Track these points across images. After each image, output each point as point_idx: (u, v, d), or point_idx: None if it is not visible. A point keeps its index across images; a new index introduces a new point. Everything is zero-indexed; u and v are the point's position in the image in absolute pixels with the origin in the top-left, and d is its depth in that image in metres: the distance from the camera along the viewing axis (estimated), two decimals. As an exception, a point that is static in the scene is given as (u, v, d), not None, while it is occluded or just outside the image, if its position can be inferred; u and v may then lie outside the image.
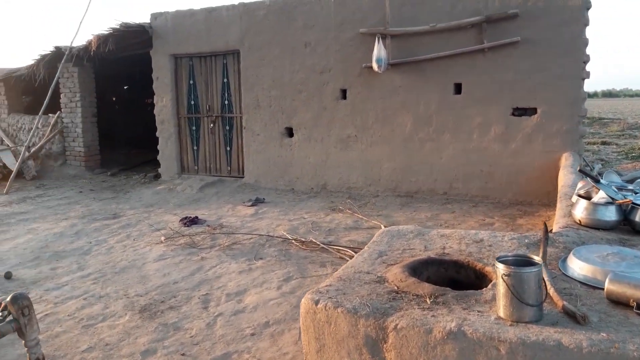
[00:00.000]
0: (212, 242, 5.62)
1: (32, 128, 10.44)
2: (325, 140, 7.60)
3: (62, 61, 9.65)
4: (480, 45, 6.26)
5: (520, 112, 6.29)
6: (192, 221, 6.49)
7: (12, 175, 9.23)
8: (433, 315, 2.00)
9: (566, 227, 3.03)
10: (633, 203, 2.89)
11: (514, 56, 6.16)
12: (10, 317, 2.59)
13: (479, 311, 2.01)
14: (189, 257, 5.13)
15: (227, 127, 8.62)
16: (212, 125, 8.73)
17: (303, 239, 5.40)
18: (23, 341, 2.62)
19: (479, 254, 2.69)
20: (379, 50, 6.67)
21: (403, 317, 2.02)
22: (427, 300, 2.16)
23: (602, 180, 3.09)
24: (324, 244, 5.18)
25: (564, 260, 2.41)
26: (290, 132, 7.96)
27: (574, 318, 1.86)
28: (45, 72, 10.02)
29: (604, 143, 17.31)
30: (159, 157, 9.33)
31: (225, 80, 8.47)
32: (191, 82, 8.80)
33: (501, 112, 6.35)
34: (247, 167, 8.39)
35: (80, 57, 9.63)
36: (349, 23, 7.11)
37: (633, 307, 1.90)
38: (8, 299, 2.58)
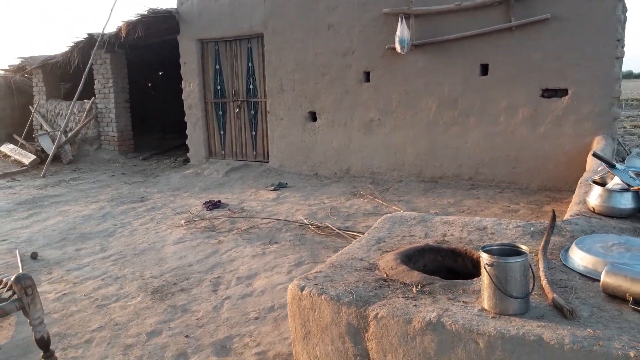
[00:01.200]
0: (230, 225, 5.68)
1: (68, 114, 10.79)
2: (349, 125, 7.51)
3: (95, 48, 9.89)
4: (508, 23, 5.98)
5: (550, 93, 6.00)
6: (215, 205, 6.58)
7: (48, 159, 9.59)
8: (415, 305, 1.94)
9: (578, 214, 2.87)
10: (651, 190, 2.71)
11: (543, 35, 5.85)
12: (15, 297, 2.69)
13: (464, 302, 1.93)
14: (206, 240, 5.20)
15: (252, 112, 8.64)
16: (237, 110, 8.77)
17: (319, 224, 5.38)
18: (28, 320, 2.72)
19: (479, 242, 2.58)
20: (402, 31, 6.49)
21: (385, 306, 1.96)
22: (414, 289, 2.09)
23: (618, 166, 2.90)
24: (339, 229, 5.14)
25: (567, 250, 2.29)
26: (313, 117, 7.90)
27: (561, 312, 1.76)
28: (79, 58, 10.31)
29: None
30: (187, 142, 9.48)
31: (250, 64, 8.47)
32: (217, 66, 8.85)
33: (529, 94, 6.07)
34: (272, 152, 8.41)
35: (112, 43, 9.84)
36: (372, 3, 6.94)
37: (629, 301, 1.78)
38: (12, 278, 2.67)
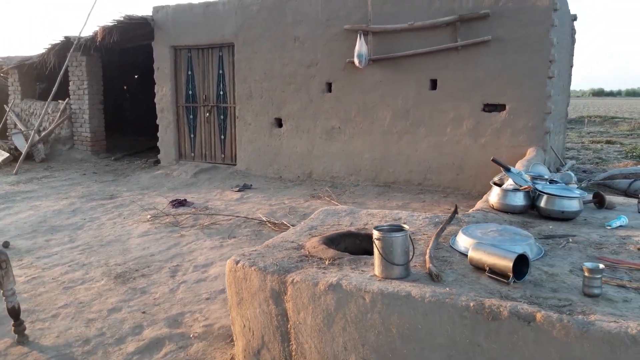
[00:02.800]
0: (194, 222, 6.09)
1: (43, 113, 11.02)
2: (312, 131, 8.00)
3: (71, 50, 10.19)
4: (454, 43, 6.58)
5: (491, 108, 6.60)
6: (180, 203, 6.97)
7: (21, 157, 9.82)
8: (323, 272, 2.41)
9: (480, 210, 3.40)
10: (540, 191, 3.25)
11: (485, 54, 6.46)
12: (-11, 270, 3.07)
13: (362, 270, 2.41)
14: (169, 234, 5.60)
15: (222, 117, 9.07)
16: (207, 114, 9.18)
17: (276, 222, 5.83)
18: (1, 291, 3.11)
19: (393, 230, 3.07)
20: (360, 46, 7.03)
21: (300, 274, 2.43)
22: (326, 262, 2.56)
23: (512, 169, 3.44)
24: (293, 225, 5.59)
25: (455, 235, 2.79)
26: (279, 123, 8.37)
27: (431, 277, 2.25)
28: (55, 60, 10.58)
29: (608, 142, 17.40)
30: (158, 144, 9.84)
31: (220, 71, 8.91)
32: (189, 72, 9.26)
33: (473, 108, 6.67)
34: (239, 155, 8.84)
35: (88, 47, 10.15)
36: (335, 19, 7.47)
37: (486, 270, 2.28)
38: (-13, 254, 3.06)
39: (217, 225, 5.88)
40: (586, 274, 2.04)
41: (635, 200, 3.67)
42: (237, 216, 6.15)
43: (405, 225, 2.37)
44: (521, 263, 2.21)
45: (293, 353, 2.51)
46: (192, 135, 9.48)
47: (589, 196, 3.56)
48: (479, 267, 2.33)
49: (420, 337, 2.08)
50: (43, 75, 11.95)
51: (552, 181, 3.74)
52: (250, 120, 8.58)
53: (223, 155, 9.20)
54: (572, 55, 10.41)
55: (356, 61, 7.08)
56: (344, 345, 2.28)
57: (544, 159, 6.25)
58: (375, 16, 7.11)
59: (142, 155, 11.41)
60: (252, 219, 6.02)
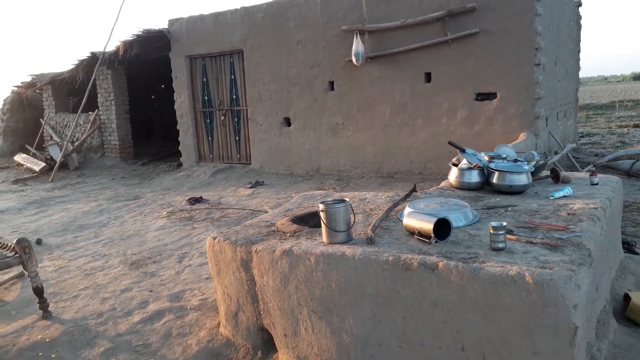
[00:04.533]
0: (206, 216, 6.62)
1: (74, 125, 11.87)
2: (317, 128, 8.43)
3: (97, 65, 10.96)
4: (444, 37, 6.88)
5: (483, 97, 6.87)
6: (197, 200, 7.53)
7: (56, 166, 10.65)
8: (282, 242, 2.84)
9: (440, 188, 3.76)
10: (492, 168, 3.58)
11: (475, 46, 6.74)
12: (17, 255, 3.65)
13: (315, 239, 2.82)
14: (183, 227, 6.14)
15: (236, 119, 9.62)
16: (223, 117, 9.75)
17: (280, 212, 6.28)
18: (26, 272, 3.68)
19: (358, 207, 3.47)
20: (356, 45, 7.41)
21: (262, 244, 2.87)
22: (288, 235, 2.99)
23: (467, 150, 3.77)
24: (294, 215, 6.03)
25: (404, 209, 3.17)
26: (288, 122, 8.84)
27: (368, 241, 2.65)
28: (83, 75, 11.39)
29: (636, 126, 17.14)
30: (180, 148, 10.48)
31: (232, 76, 9.45)
32: (204, 79, 9.85)
33: (466, 98, 6.95)
34: (253, 155, 9.36)
35: (112, 60, 10.89)
36: (334, 21, 7.88)
37: (415, 234, 2.66)
38: (14, 241, 3.64)
39: (226, 218, 6.39)
40: (491, 231, 2.40)
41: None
42: (245, 209, 6.64)
43: (346, 198, 2.77)
44: (446, 227, 2.58)
45: (261, 312, 2.96)
46: (209, 138, 10.07)
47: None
48: (411, 232, 2.71)
49: (353, 289, 2.48)
50: (74, 89, 12.82)
51: (516, 160, 4.05)
52: (262, 121, 9.09)
53: (239, 155, 9.74)
54: (579, 40, 10.47)
55: (353, 59, 7.47)
56: (298, 301, 2.71)
57: (536, 142, 6.48)
58: (370, 16, 7.49)
59: (167, 159, 12.10)
60: (258, 211, 6.50)
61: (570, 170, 7.55)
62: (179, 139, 10.40)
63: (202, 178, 9.35)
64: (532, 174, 3.92)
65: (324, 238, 2.72)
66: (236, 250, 2.96)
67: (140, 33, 9.88)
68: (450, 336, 2.25)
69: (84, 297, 4.13)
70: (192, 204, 7.39)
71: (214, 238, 3.13)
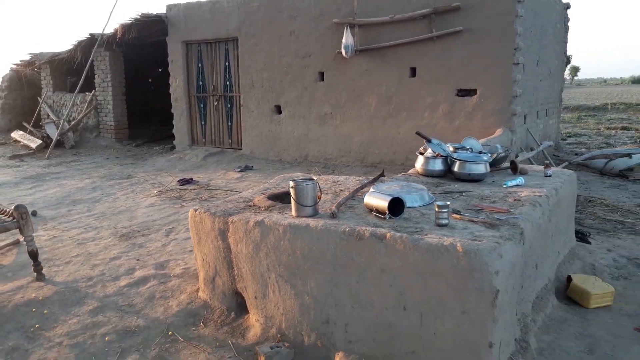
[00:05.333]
0: (195, 196, 6.93)
1: (71, 104, 12.11)
2: (307, 117, 8.73)
3: (95, 46, 11.18)
4: (430, 34, 7.17)
5: (464, 93, 7.18)
6: (187, 181, 7.83)
7: (52, 144, 10.91)
8: (255, 215, 3.16)
9: (407, 174, 4.09)
10: (453, 158, 3.90)
11: (458, 44, 7.03)
12: (14, 220, 3.95)
13: (285, 213, 3.14)
14: (172, 205, 6.45)
15: (229, 105, 9.90)
16: (216, 103, 10.02)
17: (265, 195, 6.60)
18: (23, 236, 3.99)
19: (330, 188, 3.79)
20: (346, 38, 7.70)
21: (238, 216, 3.19)
22: (262, 209, 3.31)
23: (433, 140, 4.09)
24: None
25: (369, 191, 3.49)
26: (279, 110, 9.13)
27: (331, 215, 2.97)
28: (81, 55, 11.61)
29: (624, 128, 17.52)
30: (173, 131, 10.75)
31: (227, 63, 9.72)
32: (199, 65, 10.10)
33: (448, 93, 7.26)
34: (244, 140, 9.65)
35: (110, 43, 11.12)
36: (326, 14, 8.15)
37: (372, 211, 2.98)
38: (12, 207, 3.94)
39: (213, 199, 6.69)
40: (436, 209, 2.72)
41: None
42: (232, 191, 6.95)
43: (314, 177, 3.09)
44: (400, 206, 2.90)
45: (235, 277, 3.28)
46: (202, 123, 10.35)
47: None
48: (370, 209, 3.04)
49: (315, 256, 2.81)
50: (72, 69, 13.03)
51: (480, 152, 4.37)
52: (253, 108, 9.37)
53: (230, 141, 10.03)
54: (565, 42, 10.77)
55: (343, 52, 7.76)
56: (267, 266, 3.03)
57: (511, 138, 6.81)
58: (360, 10, 7.76)
59: (162, 142, 12.36)
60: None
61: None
62: (173, 122, 10.68)
63: (194, 161, 9.64)
64: (494, 165, 4.26)
65: (293, 212, 3.04)
66: (215, 220, 3.28)
67: (139, 17, 10.11)
68: (394, 297, 2.59)
69: (75, 263, 4.44)
70: (182, 185, 7.69)
71: (196, 210, 3.45)
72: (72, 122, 12.04)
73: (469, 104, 7.12)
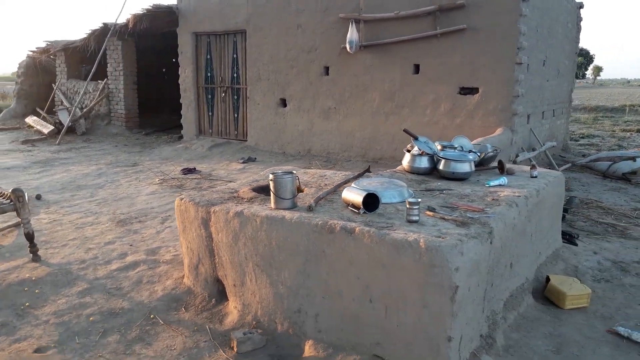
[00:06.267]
0: (195, 185, 7.06)
1: (86, 92, 12.34)
2: (311, 111, 8.79)
3: (108, 35, 11.36)
4: (434, 31, 7.17)
5: (466, 91, 7.18)
6: (190, 171, 7.97)
7: (63, 130, 11.14)
8: (236, 205, 3.25)
9: (393, 171, 4.14)
10: (439, 156, 3.94)
11: (462, 42, 7.02)
12: (11, 203, 4.10)
13: (266, 205, 3.22)
14: (172, 194, 6.58)
15: (235, 97, 10.00)
16: (223, 94, 10.14)
17: (263, 187, 6.70)
18: (20, 218, 4.14)
19: (315, 183, 3.86)
20: (351, 34, 7.73)
21: (220, 206, 3.28)
22: (245, 200, 3.40)
23: (420, 138, 4.13)
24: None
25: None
26: (284, 103, 9.21)
27: (308, 208, 3.04)
28: (95, 44, 11.80)
29: (639, 131, 17.27)
30: (182, 121, 10.90)
31: (234, 55, 9.81)
32: (208, 56, 10.22)
33: (450, 91, 7.26)
34: (250, 132, 9.76)
35: (123, 32, 11.28)
36: (332, 8, 8.18)
37: (349, 205, 3.05)
38: (10, 190, 4.09)
39: (213, 189, 6.81)
40: (407, 206, 2.78)
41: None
42: (232, 182, 7.06)
43: (294, 171, 3.17)
44: (376, 201, 2.97)
45: (217, 265, 3.38)
46: (210, 113, 10.48)
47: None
48: (347, 204, 3.11)
49: (289, 247, 2.89)
50: (86, 57, 13.25)
51: (470, 151, 4.40)
52: (259, 100, 9.46)
53: (236, 132, 10.15)
54: (578, 42, 10.65)
55: (347, 47, 7.79)
56: (245, 256, 3.12)
57: (512, 138, 6.80)
58: (366, 6, 7.78)
59: (171, 131, 12.53)
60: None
61: (549, 167, 7.87)
62: (181, 112, 10.82)
63: (200, 151, 9.78)
64: (482, 164, 4.29)
65: (272, 204, 3.12)
66: (198, 210, 3.38)
67: (150, 8, 10.25)
68: (361, 289, 2.66)
69: (71, 247, 4.59)
70: (185, 174, 7.83)
71: (181, 199, 3.55)
72: (85, 110, 12.26)
73: (470, 103, 7.12)
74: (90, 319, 3.30)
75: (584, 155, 10.20)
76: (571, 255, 4.25)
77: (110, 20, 11.64)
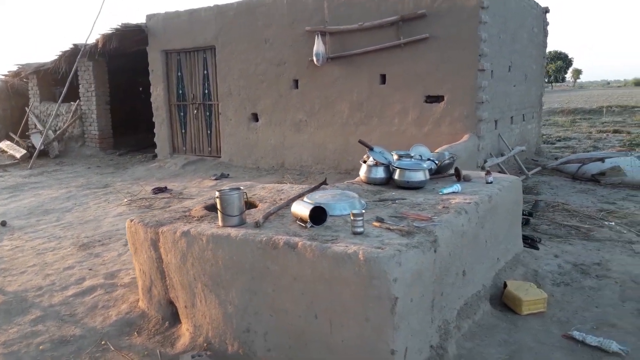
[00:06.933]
0: (165, 204, 6.97)
1: (58, 114, 12.22)
2: (283, 124, 8.79)
3: (79, 56, 11.28)
4: (398, 41, 7.23)
5: (432, 99, 7.22)
6: (160, 190, 7.89)
7: (35, 153, 11.00)
8: (184, 225, 3.20)
9: (350, 182, 4.13)
10: (394, 166, 3.94)
11: (425, 51, 7.09)
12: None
13: (215, 223, 3.18)
14: (140, 214, 6.48)
15: (208, 113, 9.97)
16: (195, 111, 10.10)
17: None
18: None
19: (270, 198, 3.83)
20: (317, 46, 7.76)
21: (167, 226, 3.23)
22: (195, 219, 3.36)
23: (375, 149, 4.13)
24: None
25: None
26: (255, 117, 9.20)
27: (255, 224, 3.01)
28: (66, 66, 11.71)
29: (615, 131, 17.51)
30: (155, 139, 10.83)
31: (205, 72, 9.80)
32: (179, 74, 10.19)
33: (416, 100, 7.30)
34: (223, 148, 9.71)
35: (93, 53, 11.21)
36: (299, 22, 8.22)
37: (297, 220, 3.02)
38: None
39: (166, 208, 6.73)
40: (351, 217, 2.76)
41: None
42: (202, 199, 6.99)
43: (242, 188, 3.14)
44: (323, 214, 2.94)
45: (168, 286, 3.32)
46: (183, 131, 10.43)
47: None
48: (296, 219, 3.08)
49: (235, 265, 2.85)
50: (59, 79, 13.14)
51: (430, 159, 4.41)
52: (231, 116, 9.44)
53: (210, 148, 10.10)
54: (545, 46, 10.81)
55: (314, 59, 7.82)
56: (194, 276, 3.07)
57: (478, 144, 6.84)
58: (331, 18, 7.83)
59: (146, 150, 12.43)
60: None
61: (518, 172, 7.93)
62: (155, 130, 10.75)
63: (173, 169, 9.71)
64: (439, 172, 4.30)
65: (220, 222, 3.08)
66: (147, 231, 3.33)
67: (119, 27, 10.21)
68: (306, 305, 2.62)
69: (29, 273, 4.49)
70: (155, 193, 7.75)
71: (132, 220, 3.49)
72: (57, 132, 12.13)
73: (437, 111, 7.16)
74: (40, 347, 3.21)
75: (556, 158, 10.30)
76: (532, 260, 4.25)
77: (81, 41, 11.56)
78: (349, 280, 2.44)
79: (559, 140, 15.04)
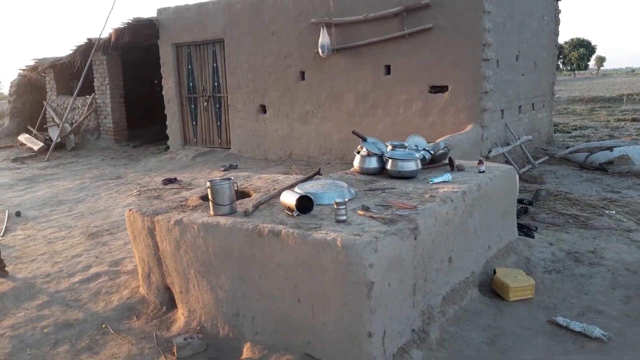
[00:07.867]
0: (173, 195, 7.14)
1: (74, 108, 12.52)
2: (290, 116, 8.88)
3: (93, 50, 11.52)
4: (402, 32, 7.23)
5: (436, 89, 7.23)
6: (170, 181, 8.07)
7: (51, 146, 11.30)
8: (179, 214, 3.33)
9: (344, 172, 4.21)
10: (387, 156, 4.00)
11: (429, 41, 7.08)
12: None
13: (207, 212, 3.30)
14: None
15: (217, 105, 10.11)
16: (205, 103, 10.25)
17: (238, 193, 6.78)
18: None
19: (265, 187, 3.94)
20: (322, 38, 7.81)
21: (163, 215, 3.36)
22: (189, 208, 3.48)
23: (368, 139, 4.20)
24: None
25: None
26: (264, 109, 9.30)
27: (244, 213, 3.12)
28: (81, 60, 11.97)
29: (633, 119, 17.19)
30: (167, 131, 11.03)
31: (214, 64, 9.93)
32: (189, 66, 10.34)
33: (421, 90, 7.32)
34: (233, 140, 9.86)
35: (107, 47, 11.44)
36: (305, 14, 8.28)
37: (285, 209, 3.12)
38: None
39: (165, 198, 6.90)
40: (335, 206, 2.85)
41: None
42: (208, 190, 7.15)
43: (232, 177, 3.25)
44: (310, 203, 3.03)
45: (165, 273, 3.47)
46: (194, 123, 10.60)
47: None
48: (285, 208, 3.18)
49: (224, 252, 2.97)
50: (75, 73, 13.42)
51: (425, 149, 4.46)
52: (240, 108, 9.56)
53: (220, 140, 10.25)
54: (557, 34, 10.67)
55: (320, 51, 7.88)
56: (187, 263, 3.20)
57: (482, 134, 6.84)
58: (336, 10, 7.86)
59: (160, 142, 12.65)
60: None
61: (525, 161, 7.90)
62: (167, 122, 10.94)
63: (184, 161, 9.89)
64: (434, 161, 4.35)
65: (211, 211, 3.20)
66: (144, 220, 3.47)
67: (131, 21, 10.39)
68: (290, 290, 2.73)
69: (39, 261, 4.69)
70: (165, 184, 7.93)
71: (130, 209, 3.64)
72: (74, 125, 12.43)
73: (441, 101, 7.17)
74: (45, 330, 3.39)
75: (567, 147, 10.20)
76: (525, 248, 4.29)
77: (95, 35, 11.78)
78: (329, 266, 2.54)
79: (575, 129, 14.83)
